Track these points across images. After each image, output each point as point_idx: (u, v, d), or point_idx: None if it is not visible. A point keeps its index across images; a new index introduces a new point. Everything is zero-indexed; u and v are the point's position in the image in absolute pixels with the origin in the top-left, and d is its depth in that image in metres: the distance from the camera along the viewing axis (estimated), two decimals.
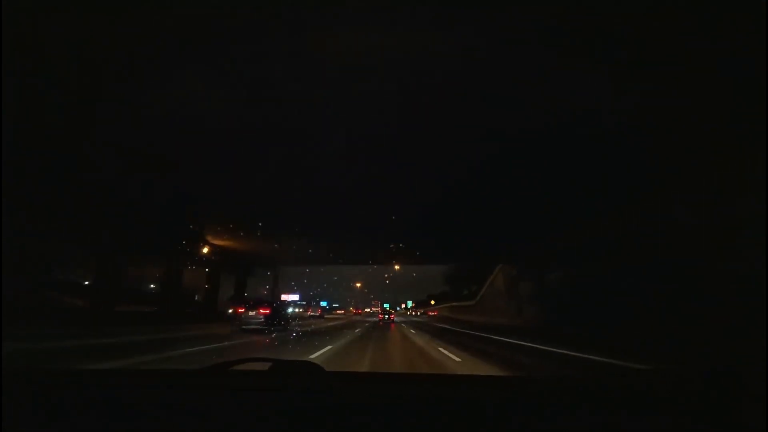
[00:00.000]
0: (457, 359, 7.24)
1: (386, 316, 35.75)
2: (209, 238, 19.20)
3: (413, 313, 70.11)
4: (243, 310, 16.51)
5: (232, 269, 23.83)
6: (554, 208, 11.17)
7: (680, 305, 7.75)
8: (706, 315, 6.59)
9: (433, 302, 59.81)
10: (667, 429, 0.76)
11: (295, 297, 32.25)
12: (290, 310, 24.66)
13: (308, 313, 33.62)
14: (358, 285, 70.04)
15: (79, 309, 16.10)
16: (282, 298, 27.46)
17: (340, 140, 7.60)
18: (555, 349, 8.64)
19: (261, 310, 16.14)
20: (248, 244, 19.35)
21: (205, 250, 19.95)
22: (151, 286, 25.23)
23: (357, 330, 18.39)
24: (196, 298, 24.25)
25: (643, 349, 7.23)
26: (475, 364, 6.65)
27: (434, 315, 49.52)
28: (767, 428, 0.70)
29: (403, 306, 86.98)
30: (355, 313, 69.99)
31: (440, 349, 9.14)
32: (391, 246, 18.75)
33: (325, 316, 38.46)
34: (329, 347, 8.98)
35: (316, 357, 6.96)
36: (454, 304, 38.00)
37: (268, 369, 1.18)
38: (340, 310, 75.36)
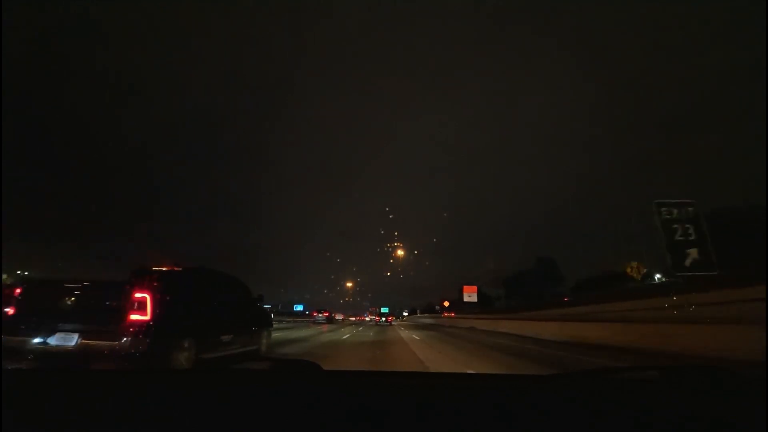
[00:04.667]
0: None
1: (383, 319, 37.81)
2: None
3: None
4: (315, 313, 33.21)
5: None
6: None
7: None
8: None
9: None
10: (667, 428, 0.74)
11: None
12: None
13: (335, 317, 49.30)
14: (349, 284, 78.58)
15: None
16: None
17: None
18: None
19: (325, 313, 32.77)
20: None
21: None
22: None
23: (370, 323, 34.45)
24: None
25: None
26: None
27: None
28: (767, 428, 0.69)
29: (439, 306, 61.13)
30: (359, 318, 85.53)
31: None
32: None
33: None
34: (370, 324, 25.20)
35: (370, 326, 23.07)
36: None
37: (267, 368, 1.24)
38: (352, 317, 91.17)
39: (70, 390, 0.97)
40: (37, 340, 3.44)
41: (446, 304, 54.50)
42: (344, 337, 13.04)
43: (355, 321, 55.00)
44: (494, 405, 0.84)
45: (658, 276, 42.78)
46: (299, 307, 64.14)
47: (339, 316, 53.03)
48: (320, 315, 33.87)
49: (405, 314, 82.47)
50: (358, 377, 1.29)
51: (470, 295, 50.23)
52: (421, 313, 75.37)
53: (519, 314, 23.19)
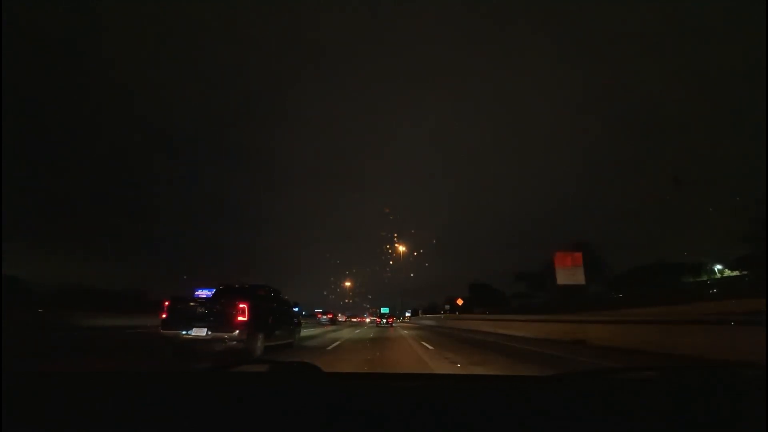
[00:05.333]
0: None
1: (384, 321, 36.03)
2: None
3: None
4: (320, 315, 35.67)
5: None
6: None
7: None
8: None
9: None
10: (667, 428, 0.74)
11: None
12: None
13: (338, 319, 51.35)
14: (348, 284, 74.76)
15: None
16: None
17: None
18: None
19: (329, 315, 35.26)
20: None
21: None
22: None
23: (371, 324, 36.86)
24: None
25: None
26: None
27: None
28: (767, 428, 0.70)
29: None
30: (359, 320, 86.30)
31: None
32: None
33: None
34: (371, 326, 27.55)
35: (370, 327, 25.47)
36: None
37: (266, 370, 1.24)
38: (353, 318, 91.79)
39: (70, 390, 0.99)
40: (184, 332, 5.81)
41: (460, 302, 44.23)
42: (347, 336, 15.44)
43: (356, 322, 56.44)
44: (495, 406, 0.84)
45: (718, 267, 37.20)
46: (294, 309, 64.81)
47: (342, 318, 55.41)
48: (324, 317, 36.43)
49: (407, 314, 76.88)
50: (357, 379, 1.30)
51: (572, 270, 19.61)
52: (423, 313, 70.47)
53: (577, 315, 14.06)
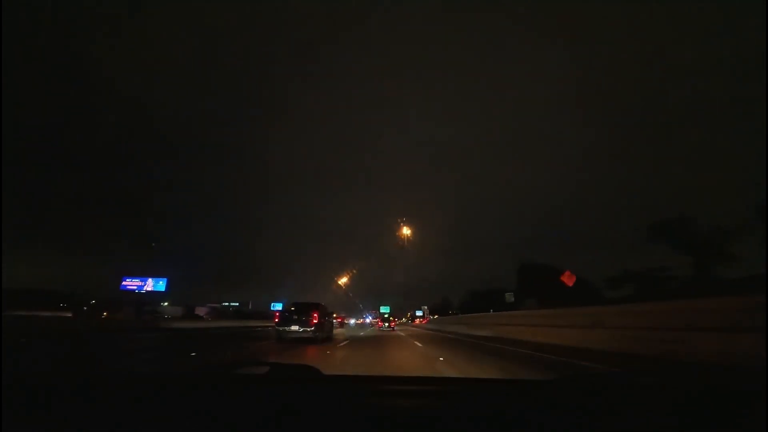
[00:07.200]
0: None
1: (386, 324, 34.41)
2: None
3: None
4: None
5: None
6: None
7: None
8: None
9: None
10: (666, 429, 0.75)
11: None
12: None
13: (345, 322, 56.31)
14: (343, 281, 70.26)
15: None
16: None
17: None
18: None
19: (338, 319, 41.20)
20: None
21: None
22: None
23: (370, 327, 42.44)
24: None
25: None
26: None
27: None
28: (767, 428, 0.71)
29: None
30: (359, 322, 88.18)
31: None
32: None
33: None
34: (371, 329, 33.68)
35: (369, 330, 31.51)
36: None
37: (266, 372, 1.28)
38: (359, 320, 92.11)
39: (70, 390, 1.00)
40: (286, 328, 11.74)
41: (571, 280, 16.79)
42: (361, 333, 21.24)
43: (358, 324, 59.53)
44: (494, 410, 0.85)
45: None
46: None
47: (350, 321, 60.79)
48: (334, 321, 42.22)
49: (418, 314, 64.10)
50: (357, 381, 1.31)
51: None
52: (430, 314, 58.54)
53: None
